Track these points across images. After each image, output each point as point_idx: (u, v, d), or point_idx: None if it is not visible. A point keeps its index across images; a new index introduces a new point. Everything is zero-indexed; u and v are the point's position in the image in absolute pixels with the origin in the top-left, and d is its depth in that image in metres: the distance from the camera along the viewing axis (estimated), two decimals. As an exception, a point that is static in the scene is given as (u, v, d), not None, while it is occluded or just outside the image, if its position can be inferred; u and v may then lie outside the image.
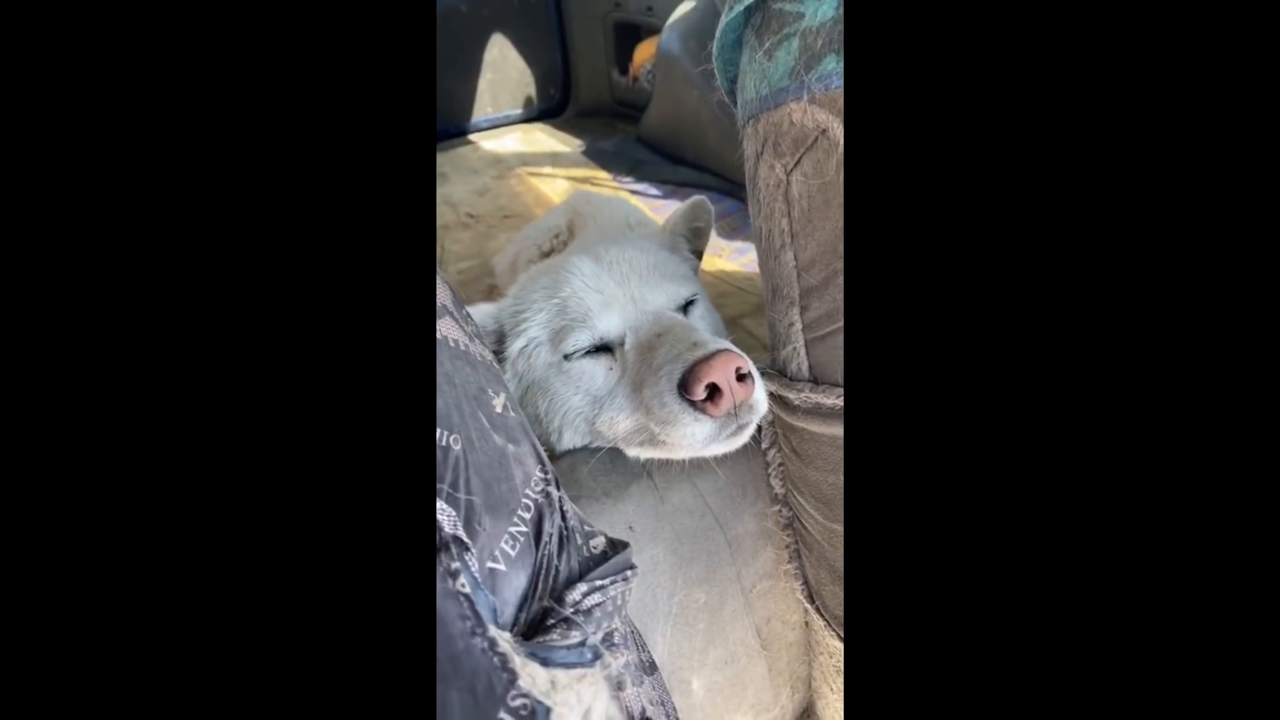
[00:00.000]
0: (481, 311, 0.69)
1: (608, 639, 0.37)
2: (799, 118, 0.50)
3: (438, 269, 0.46)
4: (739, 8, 0.53)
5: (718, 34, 0.56)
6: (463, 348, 0.43)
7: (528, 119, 2.43)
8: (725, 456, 0.62)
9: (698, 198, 0.80)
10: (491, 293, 1.38)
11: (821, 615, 0.66)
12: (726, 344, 0.55)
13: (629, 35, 2.22)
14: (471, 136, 2.34)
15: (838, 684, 0.70)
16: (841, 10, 0.47)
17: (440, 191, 1.97)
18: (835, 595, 0.63)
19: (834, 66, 0.47)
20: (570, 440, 0.66)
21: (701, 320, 0.68)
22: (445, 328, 0.42)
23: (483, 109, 2.37)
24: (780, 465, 0.65)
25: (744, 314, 1.19)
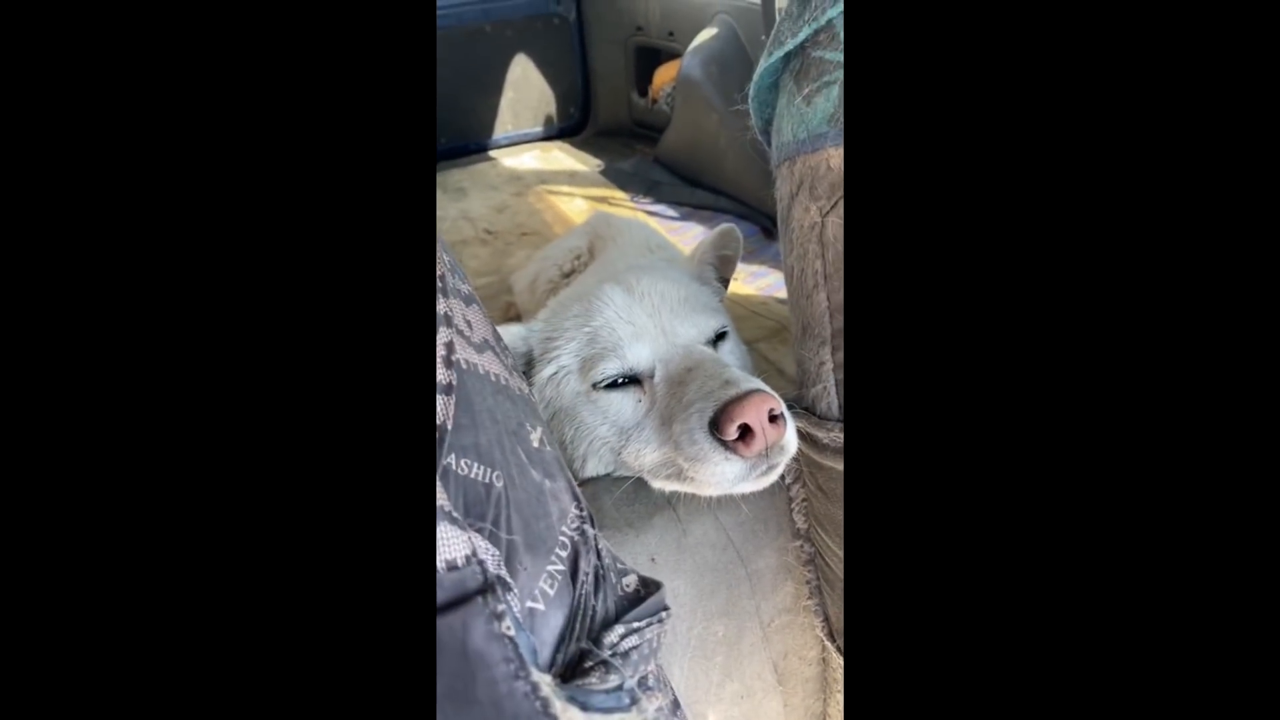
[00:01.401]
0: (512, 333, 0.70)
1: (643, 682, 0.37)
2: (836, 163, 0.51)
3: (481, 306, 0.47)
4: (778, 54, 0.54)
5: (755, 77, 0.58)
6: (503, 382, 0.44)
7: (547, 137, 2.46)
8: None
9: (726, 225, 0.81)
10: (509, 310, 1.39)
11: (841, 654, 0.66)
12: (759, 383, 0.55)
13: (649, 58, 2.26)
14: (491, 153, 2.37)
15: (855, 723, 0.69)
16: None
17: (459, 207, 2.00)
18: (856, 634, 0.63)
19: (874, 115, 0.48)
20: (594, 468, 0.67)
21: (731, 355, 0.68)
22: (487, 363, 0.43)
23: (503, 126, 2.40)
24: (804, 501, 0.65)
25: (760, 338, 1.19)
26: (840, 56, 0.50)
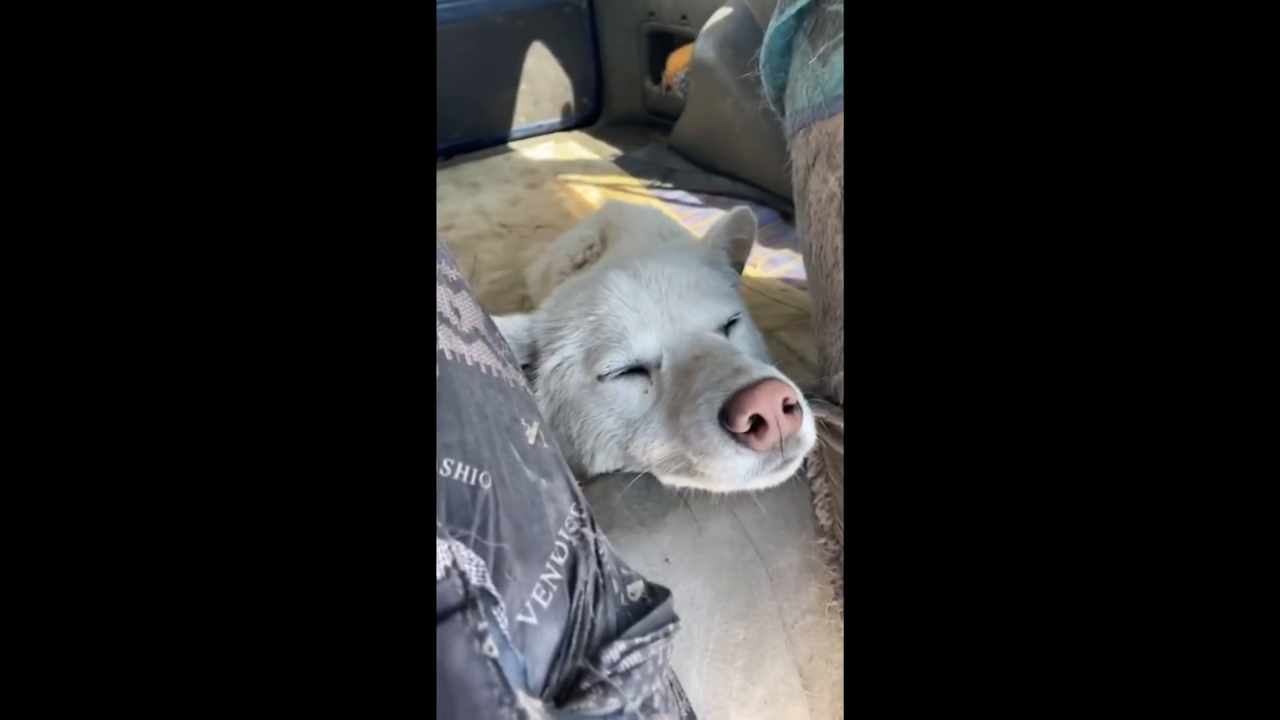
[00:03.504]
0: (515, 324, 0.67)
1: (647, 704, 0.33)
2: (856, 127, 0.46)
3: (471, 292, 0.43)
4: (790, 10, 0.50)
5: (766, 39, 0.53)
6: (495, 374, 0.40)
7: (563, 128, 2.43)
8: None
9: (741, 208, 0.77)
10: (523, 303, 1.37)
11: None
12: (772, 371, 0.51)
13: (663, 44, 2.21)
14: (506, 146, 2.36)
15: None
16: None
17: (473, 201, 1.98)
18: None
19: (896, 72, 0.43)
20: (603, 464, 0.63)
21: (743, 341, 0.64)
22: (477, 353, 0.40)
23: (518, 119, 2.38)
24: (827, 496, 0.61)
25: (780, 326, 1.14)
26: (858, 9, 0.46)
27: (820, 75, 0.48)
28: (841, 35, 0.46)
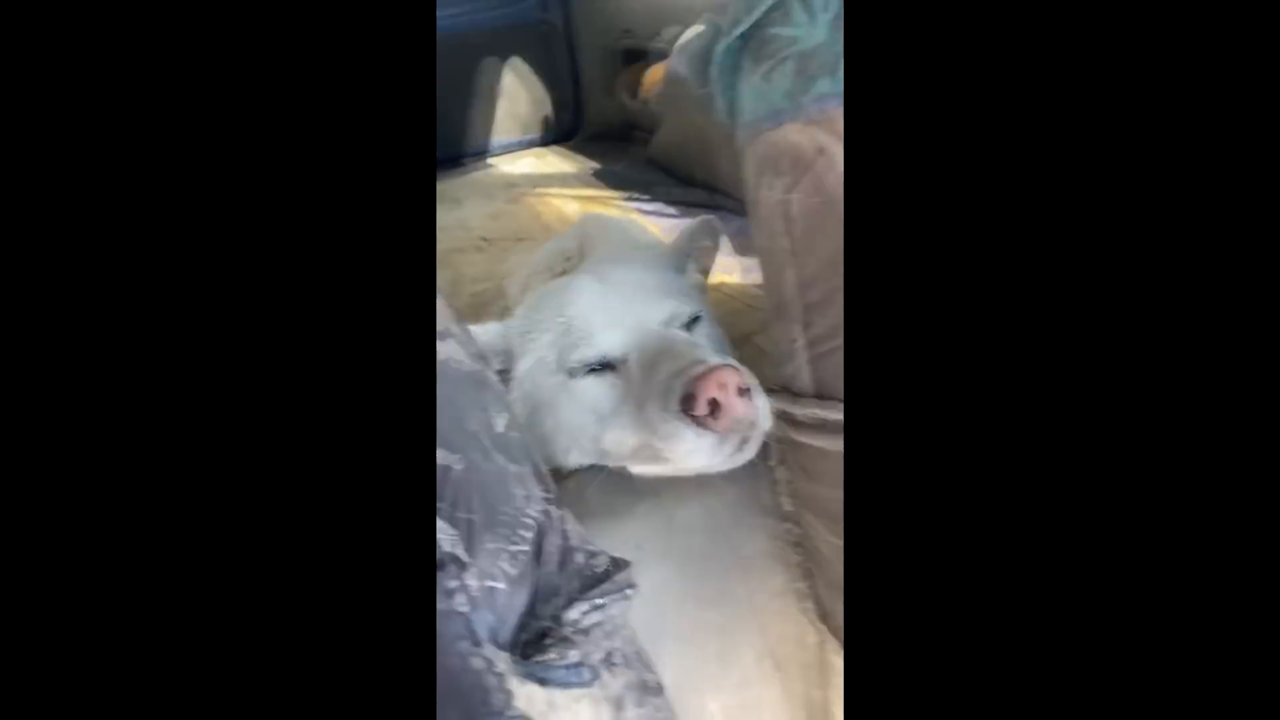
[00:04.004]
0: (489, 331, 0.70)
1: (608, 658, 0.37)
2: (797, 138, 0.51)
3: (440, 295, 0.47)
4: (735, 32, 0.54)
5: (716, 60, 0.58)
6: (465, 369, 0.44)
7: (542, 143, 2.48)
8: (735, 474, 0.62)
9: (706, 217, 0.81)
10: (505, 315, 1.39)
11: (834, 635, 0.65)
12: (727, 359, 0.55)
13: (638, 60, 2.26)
14: (486, 161, 2.39)
15: (853, 708, 0.68)
16: (835, 33, 0.48)
17: (454, 215, 2.01)
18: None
19: (828, 88, 0.48)
20: (578, 459, 0.67)
21: (705, 338, 0.68)
22: (448, 350, 0.43)
23: (497, 134, 2.42)
24: (789, 482, 0.65)
25: (755, 331, 1.18)
26: (794, 32, 0.50)
27: (764, 91, 0.53)
28: (781, 54, 0.51)
